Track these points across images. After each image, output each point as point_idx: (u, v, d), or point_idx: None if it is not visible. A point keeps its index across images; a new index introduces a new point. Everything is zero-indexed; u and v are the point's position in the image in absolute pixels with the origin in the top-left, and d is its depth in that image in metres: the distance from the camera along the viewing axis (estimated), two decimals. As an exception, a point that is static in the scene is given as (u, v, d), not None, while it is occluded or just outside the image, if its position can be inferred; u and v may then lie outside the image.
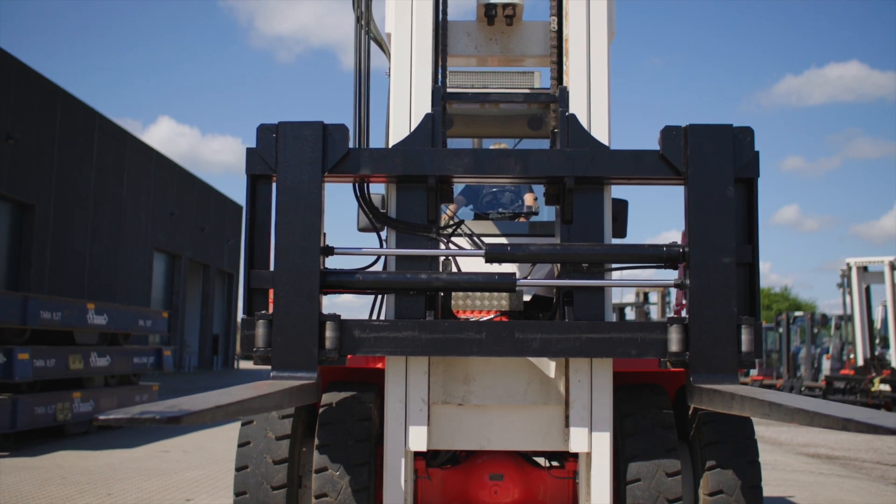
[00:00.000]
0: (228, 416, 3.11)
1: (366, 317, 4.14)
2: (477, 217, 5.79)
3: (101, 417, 2.66)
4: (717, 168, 3.81)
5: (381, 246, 4.22)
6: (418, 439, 4.07)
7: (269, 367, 3.75)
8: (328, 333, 3.78)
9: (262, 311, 3.82)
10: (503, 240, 5.01)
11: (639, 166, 3.89)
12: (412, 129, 4.05)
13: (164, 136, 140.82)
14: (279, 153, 3.84)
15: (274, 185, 3.88)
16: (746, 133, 3.86)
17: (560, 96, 4.08)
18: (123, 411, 2.75)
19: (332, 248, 3.95)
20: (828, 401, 3.44)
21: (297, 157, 3.83)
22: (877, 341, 22.41)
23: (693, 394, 3.78)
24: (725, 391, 3.52)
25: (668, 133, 3.87)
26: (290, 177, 3.83)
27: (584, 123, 4.05)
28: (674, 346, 3.77)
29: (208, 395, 3.30)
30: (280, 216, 3.82)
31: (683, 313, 5.04)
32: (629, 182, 4.07)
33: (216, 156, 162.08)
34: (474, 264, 4.42)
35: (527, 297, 4.91)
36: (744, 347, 3.75)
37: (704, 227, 3.80)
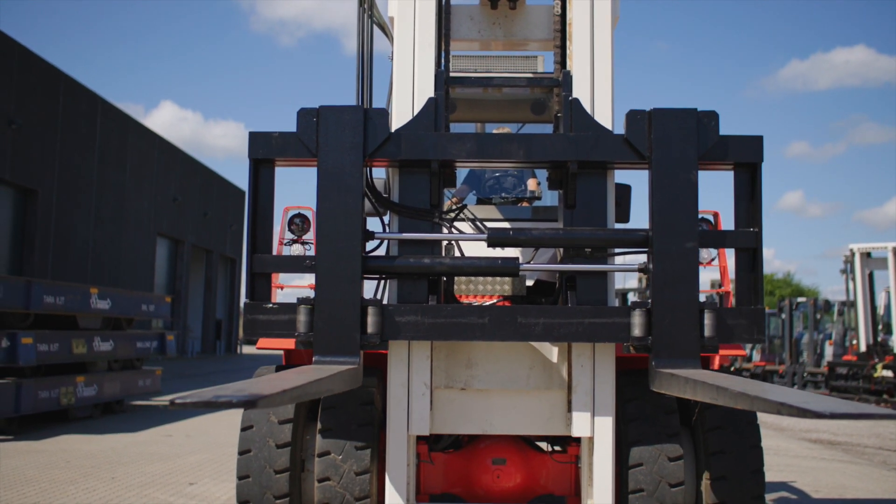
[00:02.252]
0: (293, 399, 3.12)
1: None
2: (480, 202, 5.78)
3: (178, 401, 2.67)
4: (682, 152, 3.80)
5: (384, 230, 4.22)
6: (421, 423, 4.08)
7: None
8: (370, 318, 3.78)
9: (305, 297, 3.82)
10: (506, 224, 5.00)
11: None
12: (415, 114, 4.04)
13: (166, 120, 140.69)
14: (320, 137, 3.83)
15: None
16: (711, 117, 3.84)
17: (563, 80, 4.07)
18: (197, 395, 2.77)
19: (373, 233, 3.95)
20: (778, 385, 3.52)
21: (338, 141, 3.82)
22: (880, 327, 22.38)
23: (654, 378, 3.79)
24: (681, 375, 3.53)
25: (633, 117, 3.86)
26: (332, 161, 3.82)
27: (588, 108, 4.04)
28: (636, 331, 3.78)
29: (265, 380, 3.31)
30: (321, 201, 3.81)
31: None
32: (632, 167, 4.05)
33: (219, 141, 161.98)
34: (477, 249, 4.42)
35: (529, 282, 4.91)
36: (706, 332, 3.75)
37: (668, 211, 3.79)
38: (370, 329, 3.77)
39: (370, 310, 3.78)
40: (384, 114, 3.89)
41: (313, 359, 3.74)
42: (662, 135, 3.81)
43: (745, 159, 3.88)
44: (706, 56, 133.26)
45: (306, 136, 3.84)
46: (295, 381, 3.18)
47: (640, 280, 31.26)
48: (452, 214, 4.23)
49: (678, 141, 3.80)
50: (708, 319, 3.75)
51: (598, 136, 3.90)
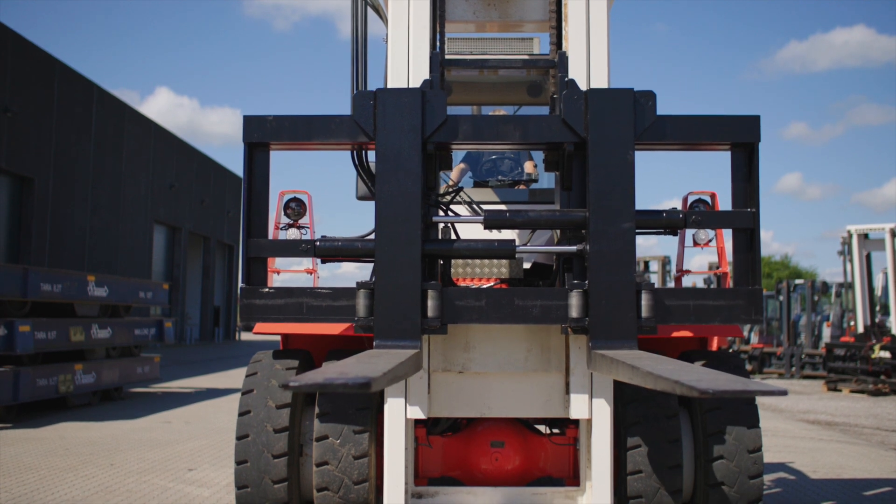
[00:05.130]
0: (392, 381, 3.11)
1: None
2: (476, 185, 5.76)
3: (292, 384, 2.73)
4: (618, 132, 3.77)
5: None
6: (419, 407, 4.08)
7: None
8: (430, 302, 3.76)
9: (364, 281, 3.80)
10: (503, 207, 4.99)
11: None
12: (410, 96, 4.01)
13: (161, 107, 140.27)
14: (377, 120, 3.80)
15: (372, 152, 3.83)
16: (648, 97, 3.82)
17: (559, 62, 4.04)
18: (310, 378, 2.80)
19: (431, 217, 3.93)
20: (693, 364, 3.52)
21: (396, 124, 3.80)
22: (877, 308, 22.39)
23: (590, 359, 3.78)
24: (608, 356, 3.53)
25: (570, 97, 3.83)
26: (390, 144, 3.79)
27: (584, 89, 4.01)
28: (574, 312, 3.76)
29: (354, 362, 3.25)
30: (380, 184, 3.79)
31: (684, 281, 5.04)
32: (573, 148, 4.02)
33: (215, 127, 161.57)
34: (472, 232, 4.40)
35: (527, 265, 4.90)
36: (643, 313, 3.74)
37: (604, 192, 3.77)
38: (430, 313, 3.75)
39: (430, 293, 3.76)
40: (441, 96, 3.86)
41: (374, 343, 3.72)
42: (598, 115, 3.78)
43: (743, 139, 3.86)
44: (704, 38, 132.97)
45: (363, 119, 3.82)
46: (387, 364, 3.13)
47: (636, 263, 31.28)
48: (449, 197, 4.21)
49: (614, 121, 3.78)
50: (645, 300, 3.74)
51: (546, 119, 3.88)
